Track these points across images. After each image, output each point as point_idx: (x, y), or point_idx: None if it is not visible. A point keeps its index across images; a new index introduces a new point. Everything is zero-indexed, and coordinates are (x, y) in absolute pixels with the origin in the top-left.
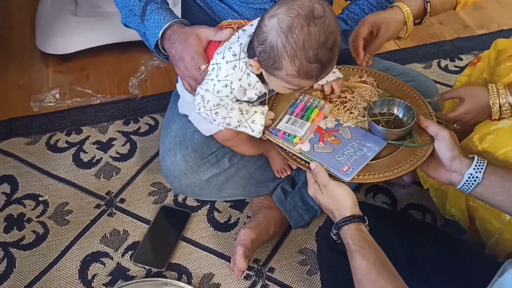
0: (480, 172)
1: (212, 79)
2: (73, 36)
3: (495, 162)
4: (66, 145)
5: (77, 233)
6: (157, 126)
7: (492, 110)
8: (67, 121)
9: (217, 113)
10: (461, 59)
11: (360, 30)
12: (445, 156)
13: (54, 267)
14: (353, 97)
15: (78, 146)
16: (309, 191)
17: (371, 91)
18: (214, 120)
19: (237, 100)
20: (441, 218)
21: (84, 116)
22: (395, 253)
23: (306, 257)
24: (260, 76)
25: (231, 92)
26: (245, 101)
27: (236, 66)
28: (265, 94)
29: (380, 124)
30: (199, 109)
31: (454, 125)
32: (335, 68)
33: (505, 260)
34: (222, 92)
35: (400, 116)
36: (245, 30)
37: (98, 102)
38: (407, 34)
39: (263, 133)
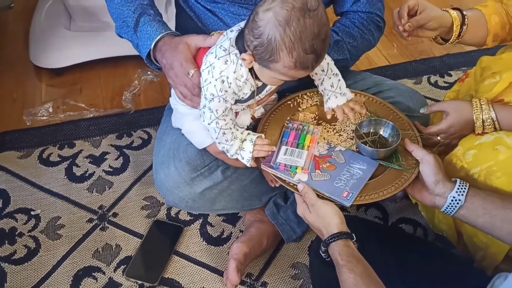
0: (462, 195)
1: (210, 82)
2: (67, 50)
3: (477, 177)
4: (58, 159)
5: (69, 247)
6: (150, 140)
7: (475, 124)
8: (59, 134)
9: (225, 133)
10: (450, 75)
11: (408, 2)
12: (429, 180)
13: (45, 282)
14: (342, 120)
15: (70, 160)
16: (298, 211)
17: (360, 113)
18: (217, 138)
19: (237, 101)
20: (431, 232)
21: (77, 130)
22: (387, 267)
23: (299, 271)
24: (250, 70)
25: (229, 87)
26: (241, 101)
27: (228, 60)
28: (255, 91)
29: (367, 145)
30: (209, 123)
31: (438, 137)
32: (346, 89)
33: (494, 273)
34: (223, 88)
35: (386, 135)
36: (232, 30)
37: (91, 116)
38: (454, 37)
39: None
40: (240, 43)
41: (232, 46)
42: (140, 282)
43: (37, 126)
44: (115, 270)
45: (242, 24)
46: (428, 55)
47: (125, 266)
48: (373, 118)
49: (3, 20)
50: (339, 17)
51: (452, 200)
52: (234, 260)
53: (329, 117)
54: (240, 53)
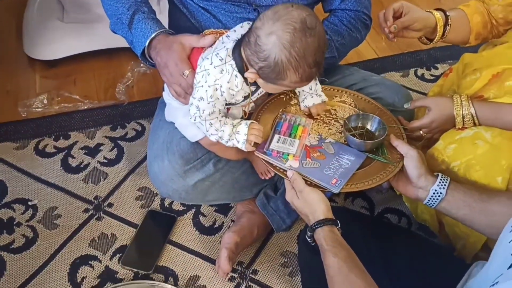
0: (443, 188)
1: (202, 86)
2: (60, 42)
3: (457, 171)
4: (54, 150)
5: (66, 237)
6: (144, 131)
7: (456, 120)
8: (55, 126)
9: (212, 124)
10: (436, 68)
11: (394, 5)
12: (413, 173)
13: (43, 270)
14: (333, 115)
15: (66, 151)
16: (287, 197)
17: (349, 110)
18: (207, 131)
19: (227, 104)
20: (415, 222)
21: (71, 121)
22: (370, 255)
23: (288, 259)
24: (245, 78)
25: (222, 95)
26: (233, 104)
27: (223, 70)
28: (249, 94)
29: (355, 137)
30: (194, 119)
31: (421, 131)
32: (321, 91)
33: (473, 261)
34: (214, 96)
35: (372, 129)
36: (228, 36)
37: (85, 107)
38: (437, 37)
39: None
40: (237, 55)
41: (228, 56)
42: (135, 270)
43: (32, 117)
44: (111, 259)
45: (238, 30)
46: (416, 48)
47: (120, 254)
48: (361, 113)
49: None
50: (327, 13)
51: (433, 193)
52: (226, 249)
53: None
54: (237, 64)
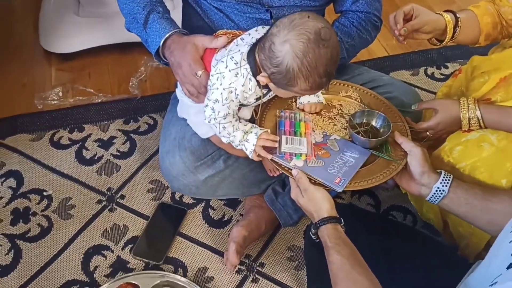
0: (446, 186)
1: (217, 88)
2: (76, 36)
3: (462, 172)
4: (69, 142)
5: (80, 227)
6: (156, 125)
7: (462, 122)
8: (69, 118)
9: (225, 127)
10: (446, 67)
11: (404, 8)
12: (416, 170)
13: (58, 259)
14: (338, 110)
15: (80, 143)
16: (292, 195)
17: (354, 105)
18: (220, 133)
19: (241, 105)
20: (420, 220)
21: (86, 114)
22: (373, 252)
23: (294, 253)
24: (258, 81)
25: (236, 98)
26: (245, 105)
27: (238, 73)
28: (260, 97)
29: (360, 134)
30: (209, 121)
31: (428, 132)
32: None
33: (475, 261)
34: (229, 98)
35: (377, 126)
36: (243, 39)
37: (99, 101)
38: (447, 39)
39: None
40: (251, 59)
41: (243, 60)
42: (146, 260)
43: (47, 110)
44: (122, 249)
45: (252, 33)
46: (426, 47)
47: (132, 245)
48: (366, 109)
49: (13, 5)
50: (338, 14)
51: (436, 190)
52: (234, 243)
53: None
54: (251, 68)
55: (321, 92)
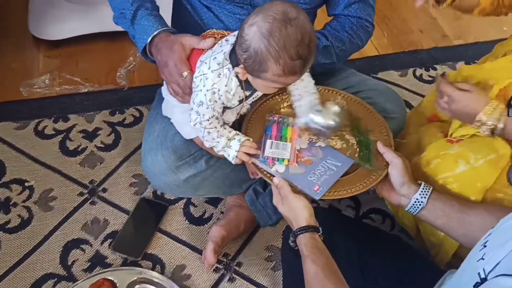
0: (425, 197)
1: (201, 90)
2: (65, 22)
3: (435, 182)
4: (53, 132)
5: (60, 219)
6: (142, 118)
7: (476, 117)
8: (55, 108)
9: (209, 133)
10: (435, 69)
11: None
12: (396, 181)
13: (37, 251)
14: None
15: (65, 133)
16: (273, 202)
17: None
18: (203, 137)
19: (225, 107)
20: (399, 224)
21: (72, 104)
22: (349, 258)
23: (272, 254)
24: (240, 82)
25: (219, 98)
26: (228, 108)
27: (220, 74)
28: (243, 99)
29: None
30: (195, 124)
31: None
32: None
33: (447, 268)
34: (212, 99)
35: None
36: (227, 40)
37: (86, 90)
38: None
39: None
40: (233, 57)
41: (226, 59)
42: (124, 256)
43: (33, 98)
44: (102, 243)
45: (237, 34)
46: (417, 47)
47: (111, 240)
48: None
49: None
50: (331, 17)
51: (415, 202)
52: (212, 242)
53: None
54: (232, 64)
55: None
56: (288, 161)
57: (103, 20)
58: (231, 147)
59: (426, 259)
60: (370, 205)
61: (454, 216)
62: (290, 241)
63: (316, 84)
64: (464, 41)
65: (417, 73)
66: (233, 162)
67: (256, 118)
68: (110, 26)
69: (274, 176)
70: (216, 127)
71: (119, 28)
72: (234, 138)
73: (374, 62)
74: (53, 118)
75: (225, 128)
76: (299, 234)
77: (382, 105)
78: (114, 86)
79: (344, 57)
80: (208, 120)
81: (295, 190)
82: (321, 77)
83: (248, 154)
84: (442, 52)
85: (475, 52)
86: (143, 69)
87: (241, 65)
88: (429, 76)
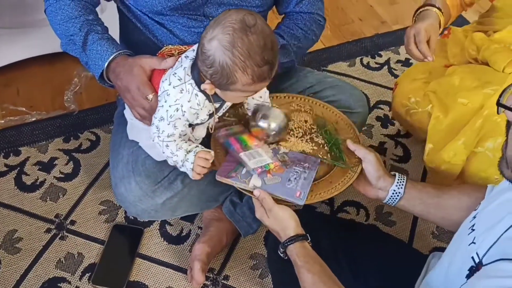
0: (401, 187)
1: (163, 106)
2: None
3: None
4: (6, 169)
5: (31, 260)
6: (99, 141)
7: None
8: (2, 142)
9: (168, 146)
10: (380, 56)
11: (421, 37)
12: (372, 176)
13: None
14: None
15: (18, 168)
16: (256, 215)
17: (306, 117)
18: (163, 152)
19: (190, 125)
20: (373, 213)
21: (20, 135)
22: (337, 258)
23: (257, 261)
24: (207, 95)
25: (183, 115)
26: (199, 124)
27: (183, 89)
28: (213, 112)
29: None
30: (153, 139)
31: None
32: (275, 100)
33: (431, 251)
34: (175, 116)
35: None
36: (187, 56)
37: (33, 119)
38: (441, 30)
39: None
40: (195, 72)
41: (187, 75)
42: None
43: None
44: (80, 279)
45: (196, 48)
46: (359, 36)
47: (90, 273)
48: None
49: None
50: (282, 15)
51: (393, 193)
52: (198, 261)
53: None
54: (196, 82)
55: (273, 105)
56: (273, 163)
57: (39, 43)
58: (188, 160)
59: (406, 244)
60: (343, 198)
61: (430, 202)
62: (280, 252)
63: (277, 86)
64: (402, 25)
65: (364, 62)
66: (191, 176)
67: (214, 140)
68: (47, 48)
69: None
70: (175, 140)
71: (57, 49)
72: (191, 151)
73: (322, 55)
74: (2, 154)
75: (185, 142)
76: (289, 244)
77: (345, 101)
78: (63, 111)
79: (301, 54)
80: (167, 135)
81: (277, 200)
82: (281, 80)
83: (223, 172)
84: (384, 38)
85: None
86: (91, 88)
87: (207, 82)
88: (376, 63)
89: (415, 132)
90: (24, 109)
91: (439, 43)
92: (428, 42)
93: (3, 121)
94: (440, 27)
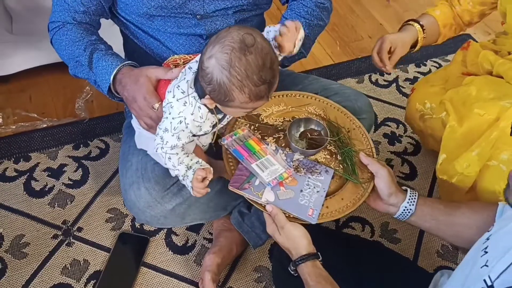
0: (413, 204)
1: (167, 117)
2: (12, 56)
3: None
4: (15, 174)
5: (37, 265)
6: (108, 149)
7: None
8: (13, 147)
9: (170, 159)
10: (389, 74)
11: (384, 46)
12: (383, 192)
13: None
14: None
15: (28, 174)
16: (268, 230)
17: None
18: (165, 164)
19: (194, 135)
20: (378, 229)
21: (31, 141)
22: (346, 277)
23: (261, 274)
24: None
25: (186, 127)
26: (202, 135)
27: (186, 102)
28: (216, 123)
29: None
30: (156, 150)
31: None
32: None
33: (436, 270)
34: (178, 128)
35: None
36: (191, 68)
37: (44, 126)
38: (418, 47)
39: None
40: (198, 85)
41: (190, 87)
42: None
43: None
44: (85, 286)
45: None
46: (368, 53)
47: (95, 281)
48: (303, 118)
49: None
50: (285, 5)
51: (404, 210)
52: (208, 272)
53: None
54: (198, 95)
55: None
56: (286, 172)
57: (53, 51)
58: (188, 177)
59: (410, 261)
60: (349, 214)
61: (441, 219)
62: (290, 269)
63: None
64: None
65: (373, 79)
66: (191, 193)
67: (224, 149)
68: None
69: (265, 205)
70: (177, 153)
71: None
72: (191, 167)
73: (331, 71)
74: (13, 159)
75: (187, 156)
76: (301, 263)
77: (351, 107)
78: (74, 118)
79: (310, 42)
80: (170, 147)
81: (289, 217)
82: (286, 87)
83: (235, 182)
84: None
85: (422, 54)
86: (102, 97)
87: (207, 97)
88: (384, 80)
89: (425, 139)
90: (35, 115)
91: (460, 55)
92: (392, 53)
93: (14, 127)
94: (418, 43)
